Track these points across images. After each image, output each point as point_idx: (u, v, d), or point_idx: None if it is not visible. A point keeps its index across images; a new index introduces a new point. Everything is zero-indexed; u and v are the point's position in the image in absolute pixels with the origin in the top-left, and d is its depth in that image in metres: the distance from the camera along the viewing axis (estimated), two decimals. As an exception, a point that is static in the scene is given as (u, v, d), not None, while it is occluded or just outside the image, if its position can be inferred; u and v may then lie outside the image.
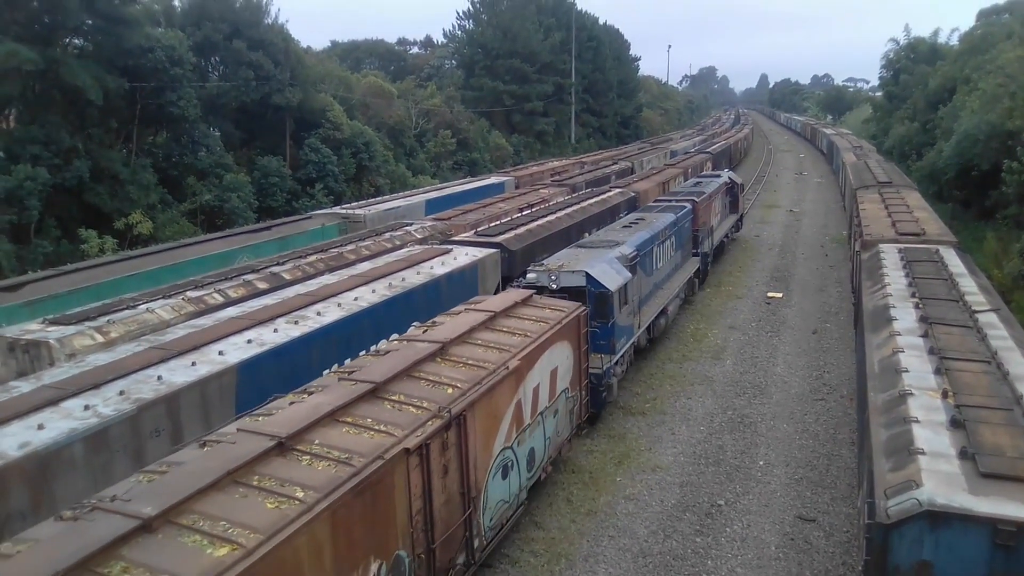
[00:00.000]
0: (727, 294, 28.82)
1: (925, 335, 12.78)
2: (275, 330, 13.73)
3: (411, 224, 26.28)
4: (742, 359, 21.77)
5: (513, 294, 15.46)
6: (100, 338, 13.85)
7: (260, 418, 9.22)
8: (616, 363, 17.83)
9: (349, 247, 22.33)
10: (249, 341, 13.09)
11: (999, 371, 11.02)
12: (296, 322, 14.24)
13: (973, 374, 10.93)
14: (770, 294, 28.64)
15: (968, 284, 16.35)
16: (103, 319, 14.53)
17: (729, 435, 17.01)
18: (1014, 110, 30.97)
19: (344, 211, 30.55)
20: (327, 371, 13.73)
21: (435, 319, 13.89)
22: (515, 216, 27.29)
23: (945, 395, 10.26)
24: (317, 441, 8.68)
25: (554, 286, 17.07)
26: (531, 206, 30.49)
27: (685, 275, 25.58)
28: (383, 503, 8.77)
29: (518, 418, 12.33)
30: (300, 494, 7.65)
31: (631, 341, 19.27)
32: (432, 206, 32.92)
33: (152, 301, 15.83)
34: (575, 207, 28.94)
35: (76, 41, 33.04)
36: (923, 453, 8.78)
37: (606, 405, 17.78)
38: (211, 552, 6.70)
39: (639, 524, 13.56)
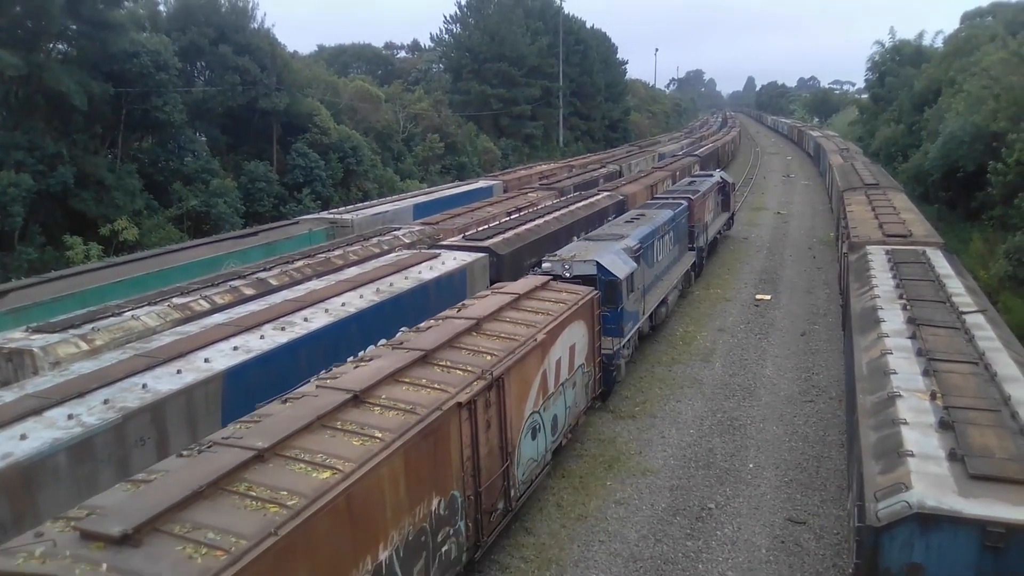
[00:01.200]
0: (716, 296, 28.87)
1: (913, 336, 12.81)
2: (262, 336, 13.62)
3: (399, 229, 26.21)
4: (731, 361, 21.79)
5: (533, 279, 17.06)
6: (85, 346, 13.71)
7: (329, 380, 10.72)
8: (624, 345, 19.42)
9: (337, 252, 22.23)
10: (236, 348, 12.98)
11: (987, 372, 11.05)
12: (283, 328, 14.13)
13: (961, 375, 10.96)
14: (758, 296, 28.71)
15: (955, 285, 16.42)
16: (88, 327, 14.39)
17: (719, 438, 17.01)
18: (998, 112, 31.19)
19: (332, 216, 30.43)
20: (314, 377, 13.67)
21: (464, 302, 15.53)
22: (503, 220, 27.24)
23: (933, 397, 10.27)
24: (384, 396, 10.27)
25: (567, 274, 18.39)
26: (519, 210, 30.45)
27: (683, 268, 27.24)
28: (441, 448, 10.31)
29: (544, 386, 13.94)
30: (379, 435, 9.19)
31: (637, 325, 20.89)
32: (420, 210, 32.82)
33: (138, 308, 15.70)
34: (563, 210, 28.92)
35: (60, 46, 32.78)
36: (912, 455, 8.78)
37: (616, 384, 19.26)
38: (315, 475, 8.18)
39: (630, 528, 13.52)
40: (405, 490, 9.34)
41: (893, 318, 14.06)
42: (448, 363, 11.75)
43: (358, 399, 9.95)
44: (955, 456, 8.61)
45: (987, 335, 12.93)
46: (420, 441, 9.64)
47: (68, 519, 7.25)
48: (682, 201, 29.15)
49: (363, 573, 8.54)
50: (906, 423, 9.63)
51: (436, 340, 12.32)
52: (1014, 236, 25.07)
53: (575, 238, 24.76)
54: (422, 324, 13.97)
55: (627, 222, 24.63)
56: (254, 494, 7.69)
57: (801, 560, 12.52)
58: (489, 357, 12.23)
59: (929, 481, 8.23)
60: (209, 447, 8.57)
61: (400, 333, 14.18)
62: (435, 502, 10.16)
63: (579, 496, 14.59)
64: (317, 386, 10.47)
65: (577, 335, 15.60)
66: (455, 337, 12.64)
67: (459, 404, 10.65)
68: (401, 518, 9.31)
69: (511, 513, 12.83)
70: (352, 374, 10.91)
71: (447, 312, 14.58)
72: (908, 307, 14.54)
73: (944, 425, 9.39)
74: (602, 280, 18.36)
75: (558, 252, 19.92)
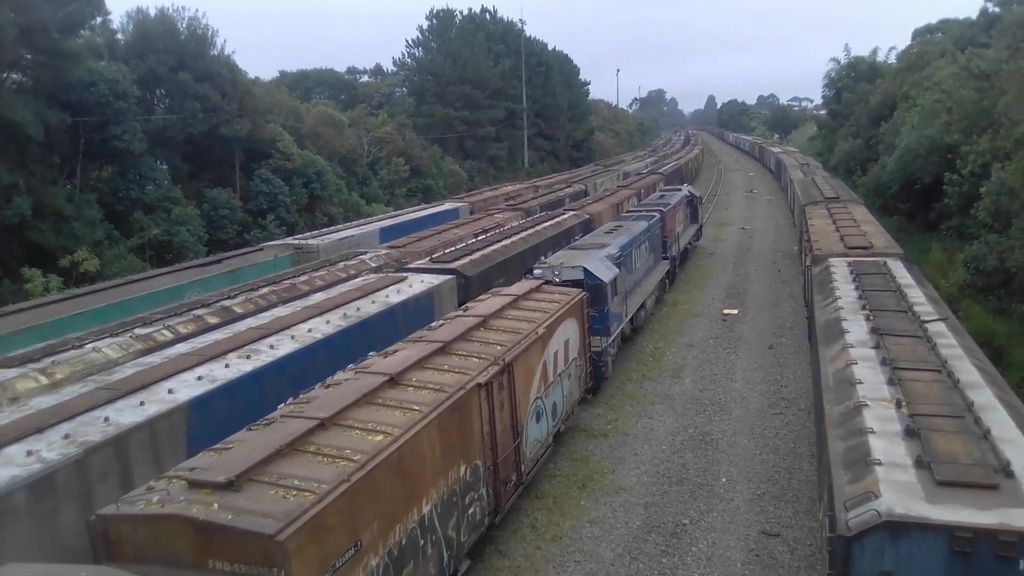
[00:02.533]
0: (684, 312, 29.07)
1: (877, 346, 12.98)
2: (227, 365, 13.39)
3: (365, 253, 26.05)
4: (701, 376, 21.91)
5: (528, 283, 18.91)
6: (44, 380, 13.35)
7: (362, 367, 12.49)
8: (611, 344, 21.31)
9: (302, 278, 22.02)
10: (200, 378, 12.74)
11: (950, 379, 11.22)
12: (248, 356, 13.91)
13: (925, 383, 11.12)
14: (726, 311, 28.96)
15: (916, 295, 16.70)
16: (48, 360, 14.04)
17: (691, 453, 17.05)
18: (951, 125, 31.96)
19: (297, 241, 30.17)
20: (282, 405, 13.49)
21: (467, 304, 17.38)
22: (470, 242, 27.23)
23: (899, 405, 10.40)
24: (414, 379, 11.96)
25: (557, 279, 20.02)
26: (486, 231, 30.45)
27: (658, 275, 29.42)
28: (466, 422, 11.99)
29: (545, 375, 15.61)
30: (416, 408, 10.91)
31: (621, 326, 22.85)
32: (386, 234, 32.70)
33: (99, 340, 15.35)
34: (530, 231, 29.00)
35: (14, 76, 32.22)
36: (880, 464, 8.86)
37: (605, 378, 20.99)
38: (371, 438, 9.95)
39: (605, 548, 13.47)
40: (440, 455, 11.09)
41: (857, 329, 14.25)
42: (464, 352, 13.46)
43: (394, 381, 11.68)
44: (922, 463, 8.71)
45: (949, 343, 13.15)
46: (450, 414, 11.37)
47: (170, 477, 8.96)
48: (655, 213, 31.13)
49: (412, 521, 10.30)
50: (873, 432, 9.72)
51: (451, 334, 14.07)
52: (972, 245, 25.61)
53: (542, 258, 24.92)
54: (433, 323, 15.87)
55: (607, 232, 26.68)
56: (324, 452, 9.40)
57: (776, 573, 12.56)
58: (499, 347, 13.95)
59: (897, 489, 8.30)
60: (275, 421, 10.23)
61: (425, 328, 15.59)
62: (463, 469, 11.87)
63: (553, 516, 14.51)
64: (355, 371, 12.34)
65: (570, 331, 17.29)
66: (466, 331, 14.39)
67: (479, 385, 12.41)
68: (438, 479, 11.08)
69: (522, 486, 14.54)
70: (383, 362, 12.69)
71: (454, 312, 16.52)
72: (871, 317, 14.74)
73: (910, 433, 9.50)
74: (589, 284, 19.97)
75: (547, 259, 22.01)
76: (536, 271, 20.84)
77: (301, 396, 11.57)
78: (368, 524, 9.25)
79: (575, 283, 19.65)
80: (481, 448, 12.54)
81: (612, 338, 21.36)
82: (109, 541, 8.35)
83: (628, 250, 24.35)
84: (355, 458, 9.30)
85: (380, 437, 9.94)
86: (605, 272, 21.04)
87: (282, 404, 12.23)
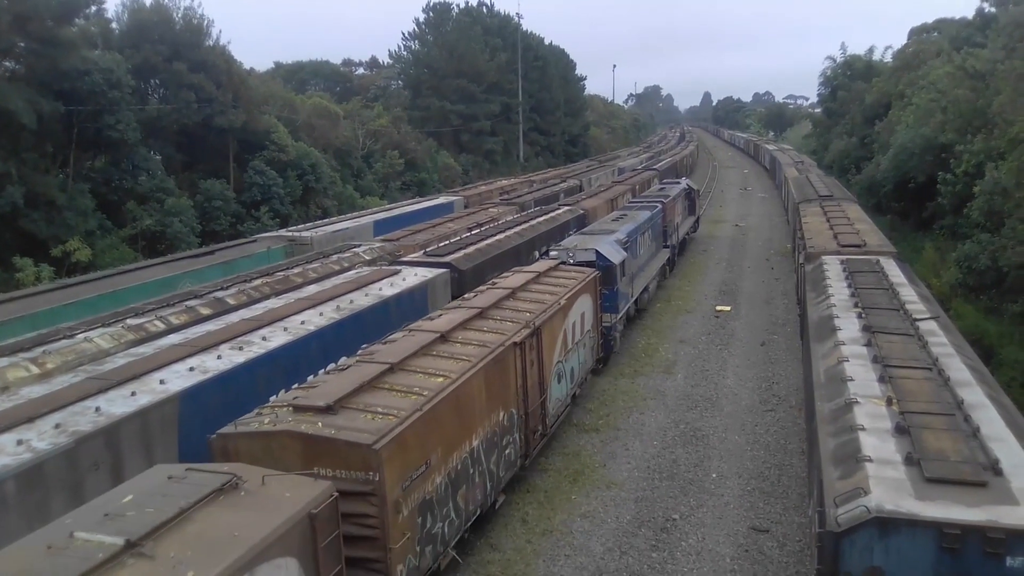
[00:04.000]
0: (677, 308, 29.12)
1: (869, 344, 13.02)
2: (219, 357, 13.37)
3: (359, 245, 26.01)
4: (693, 373, 21.96)
5: (547, 262, 20.86)
6: (35, 369, 13.34)
7: (415, 327, 14.55)
8: (619, 320, 23.02)
9: (296, 270, 21.99)
10: (191, 369, 12.72)
11: (940, 377, 11.28)
12: (241, 348, 13.90)
13: (916, 381, 11.16)
14: (718, 308, 29.01)
15: (908, 293, 16.76)
16: (39, 350, 14.02)
17: (682, 449, 17.10)
18: (946, 124, 32.02)
19: (290, 233, 30.12)
20: (274, 397, 13.48)
21: (494, 280, 18.99)
22: (464, 235, 27.20)
23: (890, 402, 10.44)
24: (460, 336, 13.99)
25: (571, 260, 21.73)
26: (480, 225, 30.44)
27: (659, 262, 31.32)
28: (505, 375, 13.86)
29: (565, 342, 17.43)
30: (465, 358, 12.85)
31: (628, 305, 24.61)
32: (381, 227, 32.64)
33: (91, 330, 15.32)
34: (525, 225, 28.99)
35: (8, 64, 32.04)
36: (870, 460, 8.90)
37: (613, 351, 22.72)
38: (433, 380, 11.81)
39: (595, 542, 13.50)
40: (485, 400, 12.95)
41: (849, 326, 14.30)
42: (499, 317, 15.41)
43: (444, 337, 13.69)
44: (911, 460, 8.75)
45: (940, 341, 13.21)
46: (492, 366, 13.23)
47: (274, 405, 10.88)
48: (657, 204, 33.02)
49: (465, 451, 12.19)
50: (864, 429, 9.77)
51: (487, 301, 16.07)
52: (964, 244, 25.70)
53: (536, 253, 25.25)
54: (468, 294, 17.77)
55: (614, 220, 28.54)
56: (396, 389, 11.39)
57: (765, 568, 12.61)
58: (528, 314, 15.81)
59: (887, 485, 8.35)
60: (356, 362, 12.41)
61: (469, 294, 17.68)
62: (501, 414, 13.70)
63: (544, 510, 14.53)
64: (409, 330, 14.27)
65: (586, 306, 19.04)
66: (499, 300, 16.35)
67: (515, 343, 14.29)
68: (484, 420, 12.92)
69: (546, 437, 16.30)
70: (433, 322, 14.80)
71: (483, 286, 18.30)
72: (863, 315, 14.78)
73: (900, 430, 9.54)
74: (600, 265, 21.51)
75: (561, 243, 24.39)
76: (552, 252, 22.81)
77: (365, 348, 13.60)
78: (434, 448, 11.16)
79: (588, 264, 21.26)
80: (515, 399, 14.40)
81: (620, 315, 23.09)
82: (227, 454, 9.96)
83: (634, 236, 26.06)
84: (423, 393, 11.30)
85: (440, 379, 11.87)
86: (615, 255, 22.76)
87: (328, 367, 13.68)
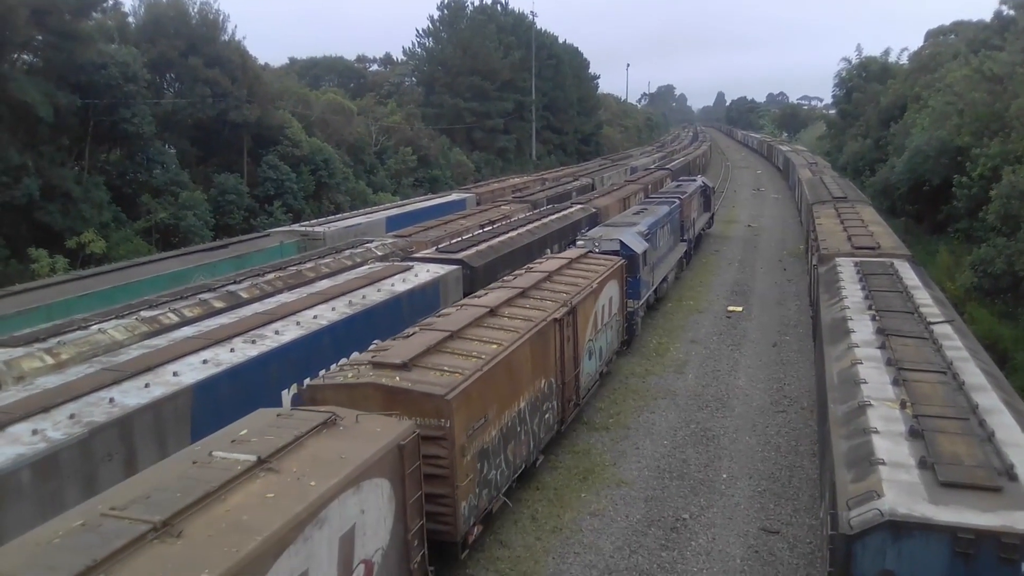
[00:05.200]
0: (688, 308, 29.05)
1: (882, 347, 12.95)
2: (232, 350, 13.43)
3: (372, 241, 26.05)
4: (704, 373, 21.90)
5: (577, 251, 22.45)
6: (50, 360, 13.42)
7: (465, 302, 16.55)
8: (641, 307, 24.56)
9: (308, 265, 22.04)
10: (205, 361, 12.78)
11: (955, 381, 11.20)
12: (253, 341, 13.94)
13: (930, 384, 11.09)
14: (730, 308, 28.93)
15: (923, 296, 16.66)
16: (53, 340, 14.09)
17: (692, 449, 17.06)
18: (962, 127, 31.77)
19: (303, 228, 30.19)
20: (286, 391, 13.54)
21: (529, 265, 20.75)
22: (476, 232, 27.21)
23: (903, 406, 10.38)
24: (507, 312, 15.57)
25: (597, 249, 23.08)
26: (492, 222, 30.44)
27: (677, 255, 32.83)
28: (546, 347, 15.40)
29: (595, 323, 18.89)
30: (514, 330, 14.46)
31: (649, 292, 26.23)
32: (393, 223, 32.68)
33: (105, 321, 15.40)
34: (537, 223, 28.98)
35: (25, 57, 32.26)
36: (883, 463, 8.85)
37: (635, 335, 24.20)
38: (488, 347, 13.34)
39: (604, 540, 13.49)
40: (531, 368, 14.48)
41: (863, 329, 14.22)
42: (539, 297, 16.97)
43: (493, 312, 15.31)
44: (925, 464, 8.70)
45: (955, 345, 13.12)
46: (537, 338, 14.79)
47: (354, 363, 12.68)
48: (675, 200, 34.56)
49: (515, 411, 13.78)
50: (877, 432, 9.71)
51: (527, 283, 17.58)
52: (979, 248, 25.49)
53: (548, 250, 25.35)
54: (507, 276, 19.39)
55: (635, 213, 30.03)
56: (458, 352, 13.00)
57: (775, 569, 12.57)
58: (565, 294, 17.31)
59: (900, 489, 8.30)
60: (414, 333, 13.85)
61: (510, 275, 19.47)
62: (543, 382, 15.19)
63: (554, 508, 14.53)
64: (460, 306, 16.05)
65: (613, 291, 20.53)
66: (538, 282, 17.84)
67: (555, 319, 15.85)
68: (529, 385, 14.44)
69: (578, 407, 17.79)
70: (481, 299, 16.43)
71: (524, 269, 20.01)
72: (877, 318, 14.71)
73: (914, 433, 9.49)
74: (624, 255, 22.85)
75: (587, 233, 26.24)
76: (579, 243, 24.49)
77: (422, 321, 15.09)
78: (491, 405, 12.71)
79: (612, 253, 22.60)
80: (554, 369, 15.86)
81: (642, 302, 24.67)
82: (315, 403, 11.26)
83: (654, 229, 27.50)
84: (482, 357, 12.88)
85: (495, 346, 13.47)
86: (638, 245, 24.25)
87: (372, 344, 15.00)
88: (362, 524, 8.97)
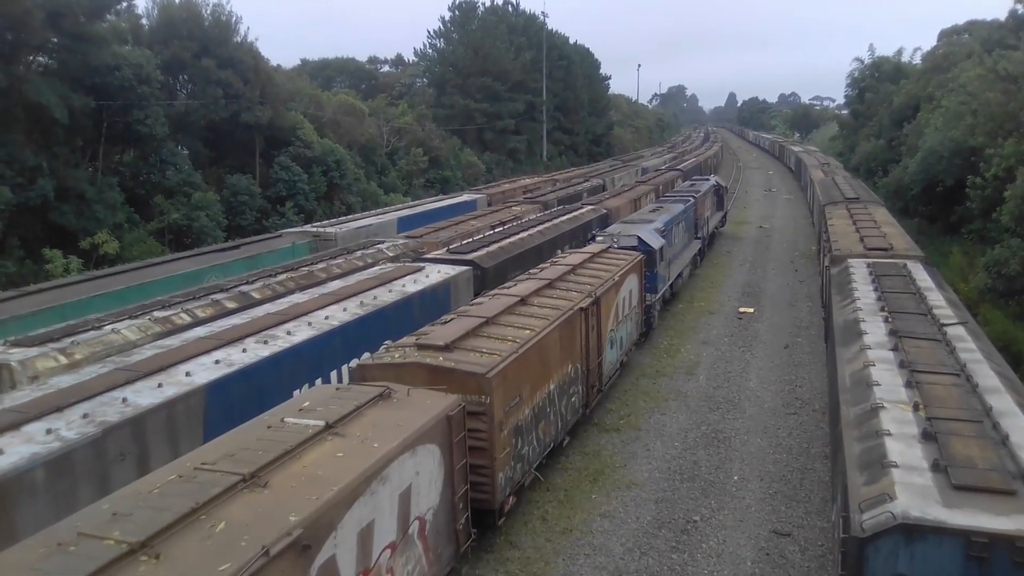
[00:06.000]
0: (699, 310, 28.97)
1: (895, 348, 12.88)
2: (244, 350, 13.50)
3: (383, 242, 26.11)
4: (715, 374, 21.84)
5: (598, 246, 23.37)
6: (64, 360, 13.52)
7: (496, 292, 17.45)
8: (657, 300, 25.41)
9: (320, 265, 22.11)
10: (217, 362, 12.85)
11: (968, 383, 11.13)
12: (266, 342, 14.01)
13: (943, 387, 11.02)
14: (742, 309, 28.83)
15: (936, 298, 16.55)
16: (67, 340, 14.20)
17: (703, 450, 17.01)
18: (976, 127, 31.57)
19: (315, 229, 30.29)
20: (297, 391, 13.59)
21: (554, 258, 21.95)
22: (487, 233, 27.23)
23: (916, 408, 10.32)
24: (536, 301, 16.53)
25: (616, 245, 23.72)
26: (503, 223, 30.46)
27: (691, 252, 33.66)
28: (573, 334, 16.36)
29: (616, 314, 19.78)
30: (544, 318, 15.42)
31: (665, 286, 27.04)
32: (404, 224, 32.75)
33: (118, 322, 15.51)
34: (547, 224, 28.97)
35: (41, 59, 32.50)
36: (896, 466, 8.81)
37: (653, 328, 25.06)
38: (522, 332, 14.39)
39: (615, 542, 13.47)
40: (559, 353, 15.47)
41: (875, 330, 14.15)
42: (565, 288, 17.88)
43: (524, 301, 16.29)
44: (938, 467, 8.64)
45: (968, 347, 13.03)
46: (564, 325, 15.73)
47: (400, 345, 13.63)
48: (689, 198, 35.22)
49: (545, 392, 14.73)
50: (889, 434, 9.66)
51: (554, 275, 18.51)
52: (993, 249, 25.32)
53: (559, 251, 25.36)
54: (533, 269, 20.22)
55: (651, 211, 30.94)
56: (494, 336, 14.02)
57: (786, 572, 12.52)
58: (589, 286, 18.25)
59: (913, 492, 8.25)
60: (452, 319, 14.84)
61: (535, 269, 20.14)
62: (569, 367, 16.18)
63: (564, 509, 14.52)
64: (491, 296, 17.04)
65: (633, 285, 21.51)
66: (564, 274, 18.79)
67: (581, 309, 16.82)
68: (558, 369, 15.46)
69: (601, 392, 18.76)
70: (511, 289, 17.39)
71: (549, 262, 21.05)
72: (890, 319, 14.63)
73: (927, 436, 9.43)
74: (641, 250, 23.43)
75: (606, 229, 27.01)
76: (598, 239, 25.12)
77: (458, 309, 16.26)
78: (525, 385, 13.70)
79: (631, 249, 23.32)
80: (580, 355, 16.82)
81: (658, 295, 25.50)
82: (365, 381, 12.19)
83: (670, 226, 28.31)
84: (517, 340, 13.88)
85: (527, 332, 14.41)
86: (655, 241, 25.08)
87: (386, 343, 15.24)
88: (417, 484, 10.10)
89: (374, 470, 9.01)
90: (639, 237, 24.37)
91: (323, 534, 8.01)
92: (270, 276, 20.37)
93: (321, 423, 9.57)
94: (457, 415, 11.09)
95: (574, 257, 21.03)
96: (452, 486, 11.11)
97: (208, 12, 42.75)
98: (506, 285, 18.33)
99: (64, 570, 6.50)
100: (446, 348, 12.95)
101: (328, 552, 8.11)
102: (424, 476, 10.26)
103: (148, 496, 7.83)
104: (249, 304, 17.65)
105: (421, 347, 13.12)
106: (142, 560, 6.75)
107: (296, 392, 13.52)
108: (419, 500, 10.16)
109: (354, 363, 14.27)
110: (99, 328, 15.04)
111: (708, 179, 46.39)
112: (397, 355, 12.97)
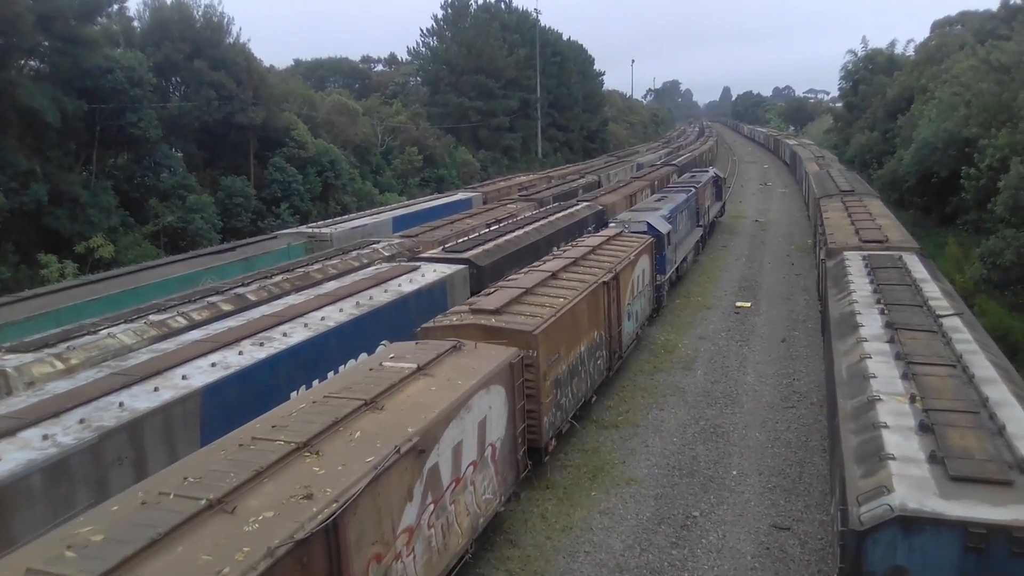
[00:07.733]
0: (696, 304, 28.98)
1: (891, 340, 12.90)
2: (240, 352, 13.47)
3: (378, 242, 26.09)
4: (713, 369, 21.85)
5: (613, 230, 25.81)
6: (60, 365, 13.49)
7: (529, 268, 20.06)
8: (666, 280, 27.67)
9: (316, 266, 22.09)
10: (213, 365, 12.82)
11: (964, 374, 11.14)
12: (262, 344, 13.99)
13: (939, 378, 11.04)
14: (738, 304, 28.85)
15: (931, 289, 16.57)
16: (63, 345, 14.18)
17: (702, 445, 17.02)
18: (970, 118, 31.59)
19: (310, 230, 30.27)
20: (294, 393, 13.57)
21: (575, 241, 24.60)
22: (483, 232, 27.20)
23: (913, 400, 10.33)
24: (564, 276, 18.75)
25: (627, 230, 25.69)
26: (499, 221, 30.42)
27: (694, 239, 35.75)
28: (598, 304, 18.59)
29: (632, 289, 22.00)
30: (574, 289, 17.63)
31: (672, 269, 29.26)
32: (399, 223, 32.73)
33: (114, 326, 15.48)
34: (543, 221, 28.95)
35: (32, 62, 32.42)
36: (893, 458, 8.82)
37: (662, 305, 27.34)
38: (557, 300, 16.60)
39: (615, 538, 13.47)
40: (588, 319, 17.69)
41: (871, 323, 14.16)
42: (588, 265, 20.10)
43: (555, 275, 18.53)
44: (935, 458, 8.66)
45: (964, 338, 13.05)
46: (591, 296, 17.94)
47: (456, 311, 15.97)
48: (691, 188, 37.34)
49: (577, 353, 16.95)
50: (887, 426, 9.68)
51: (576, 254, 20.84)
52: (988, 240, 25.36)
53: (555, 248, 25.31)
54: (556, 251, 22.88)
55: (657, 200, 33.42)
56: (534, 304, 16.25)
57: (786, 566, 12.53)
58: (609, 264, 20.45)
59: (910, 484, 8.26)
60: (495, 290, 17.10)
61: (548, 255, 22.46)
62: (596, 333, 18.42)
63: (564, 507, 14.52)
64: (527, 271, 19.33)
65: (645, 265, 23.74)
66: (585, 254, 21.01)
67: (603, 283, 19.06)
68: (587, 334, 17.65)
69: (621, 359, 20.92)
70: (543, 266, 19.78)
71: (570, 244, 23.70)
72: (886, 311, 14.64)
73: (924, 428, 9.45)
74: (651, 234, 25.50)
75: (617, 217, 29.61)
76: (610, 224, 27.76)
77: (499, 283, 18.35)
78: (562, 344, 15.91)
79: (640, 234, 25.25)
80: (604, 324, 18.99)
81: (666, 276, 27.79)
82: (428, 339, 14.17)
83: (675, 214, 30.39)
84: (554, 306, 16.10)
85: (561, 300, 16.61)
86: (663, 226, 27.26)
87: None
88: (490, 417, 12.33)
89: (462, 400, 11.30)
90: (648, 223, 26.46)
91: (430, 445, 10.31)
92: (266, 278, 20.34)
93: (413, 366, 11.81)
94: (517, 364, 13.45)
95: (592, 240, 23.45)
96: (514, 422, 13.36)
97: (200, 14, 42.70)
98: (536, 264, 20.56)
99: (250, 461, 8.49)
100: (496, 312, 15.28)
101: (433, 459, 10.42)
102: (495, 411, 12.52)
103: (292, 415, 10.01)
104: (245, 306, 17.62)
105: (475, 311, 15.46)
106: (306, 455, 8.89)
107: (293, 394, 13.51)
108: (492, 430, 12.40)
109: (351, 363, 14.46)
110: (95, 333, 15.01)
111: (707, 171, 48.67)
112: (455, 318, 15.31)
